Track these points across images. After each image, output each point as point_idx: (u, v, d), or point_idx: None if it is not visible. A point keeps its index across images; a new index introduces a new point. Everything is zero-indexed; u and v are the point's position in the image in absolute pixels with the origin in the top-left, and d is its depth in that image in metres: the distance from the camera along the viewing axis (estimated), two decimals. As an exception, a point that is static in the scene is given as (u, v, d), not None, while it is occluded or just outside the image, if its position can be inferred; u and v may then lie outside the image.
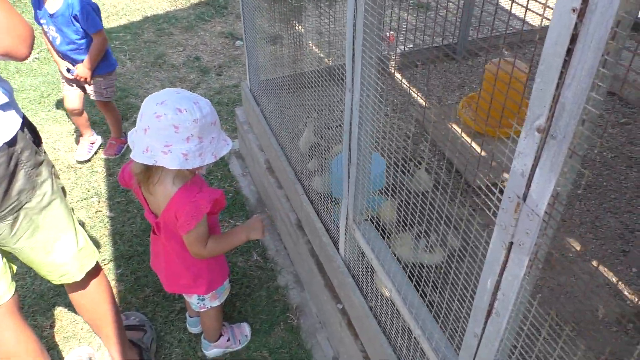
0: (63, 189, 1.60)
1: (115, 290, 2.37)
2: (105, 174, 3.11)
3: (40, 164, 1.47)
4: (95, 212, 2.80)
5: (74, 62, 2.92)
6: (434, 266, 1.65)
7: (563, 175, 0.77)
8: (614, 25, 0.62)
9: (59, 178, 1.58)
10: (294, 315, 2.27)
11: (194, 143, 1.46)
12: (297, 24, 2.14)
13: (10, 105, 1.37)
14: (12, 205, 1.40)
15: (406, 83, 3.28)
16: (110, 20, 5.18)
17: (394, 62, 3.29)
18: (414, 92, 3.16)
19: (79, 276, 1.67)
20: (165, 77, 4.19)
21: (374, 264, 1.63)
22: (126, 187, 1.77)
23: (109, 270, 2.47)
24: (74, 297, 1.77)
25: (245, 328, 2.20)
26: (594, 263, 2.03)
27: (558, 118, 0.74)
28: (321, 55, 2.35)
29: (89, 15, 2.73)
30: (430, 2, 4.69)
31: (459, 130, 2.75)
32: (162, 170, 1.54)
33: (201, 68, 4.30)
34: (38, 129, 1.52)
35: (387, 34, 3.09)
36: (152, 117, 1.42)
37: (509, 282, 0.94)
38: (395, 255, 1.59)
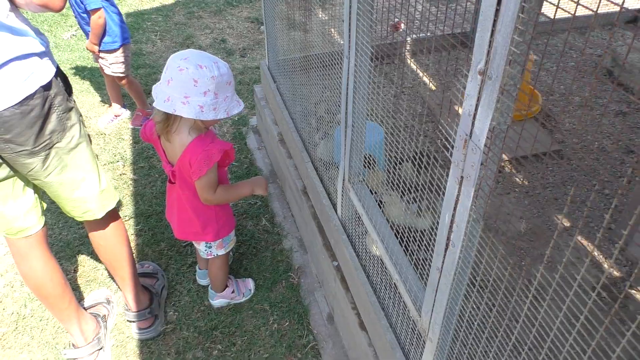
0: (89, 136, 1.80)
1: (134, 244, 2.58)
2: (131, 142, 3.33)
3: (70, 109, 1.66)
4: (120, 175, 3.03)
5: (87, 33, 3.11)
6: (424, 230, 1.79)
7: (497, 111, 0.91)
8: (528, -23, 0.76)
9: (85, 126, 1.78)
10: (295, 275, 2.44)
11: (210, 97, 1.64)
12: (308, 7, 2.29)
13: (46, 54, 1.56)
14: (45, 143, 1.59)
15: (417, 68, 3.40)
16: (144, 2, 5.43)
17: (407, 48, 3.41)
18: (423, 75, 3.28)
19: (99, 214, 1.87)
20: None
21: (363, 219, 1.78)
22: (146, 141, 1.95)
23: (129, 225, 2.68)
24: (94, 237, 1.97)
25: (250, 283, 2.37)
26: (579, 237, 2.13)
27: (492, 60, 0.88)
28: (333, 36, 2.50)
29: None
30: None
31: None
32: (180, 120, 1.72)
33: (226, 50, 4.50)
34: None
35: (395, 20, 3.21)
36: (176, 70, 1.61)
37: (460, 213, 1.09)
38: (385, 215, 1.73)
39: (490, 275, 1.05)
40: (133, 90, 3.43)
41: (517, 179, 2.51)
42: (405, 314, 1.55)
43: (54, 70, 1.58)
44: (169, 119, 1.72)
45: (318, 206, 2.28)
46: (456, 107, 1.19)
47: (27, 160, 1.60)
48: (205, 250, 2.09)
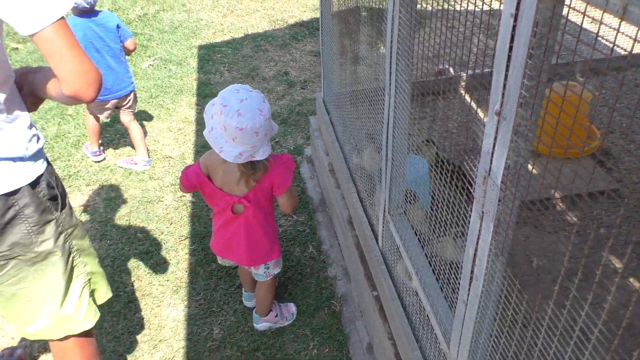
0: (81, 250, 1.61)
1: (186, 263, 2.73)
2: (193, 167, 3.55)
3: (47, 223, 1.48)
4: (180, 197, 3.22)
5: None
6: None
7: (512, 150, 0.94)
8: (534, 26, 0.81)
9: (78, 237, 1.60)
10: (337, 303, 2.49)
11: (267, 134, 1.87)
12: (357, 46, 2.39)
13: (24, 160, 1.40)
14: (3, 254, 1.43)
15: (472, 103, 3.41)
16: (216, 36, 5.79)
17: (464, 83, 3.43)
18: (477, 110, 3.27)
19: (56, 335, 1.65)
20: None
21: (401, 251, 1.81)
22: (192, 190, 2.06)
23: (184, 245, 2.85)
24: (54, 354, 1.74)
25: (292, 307, 2.44)
26: (631, 279, 2.05)
27: (506, 102, 0.92)
28: (378, 73, 2.58)
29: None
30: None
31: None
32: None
33: (288, 82, 4.70)
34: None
35: (440, 67, 3.24)
36: (236, 130, 1.77)
37: (482, 247, 1.11)
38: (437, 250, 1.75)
39: (532, 314, 1.06)
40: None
41: (569, 218, 2.44)
42: (437, 346, 1.56)
43: (28, 179, 1.42)
44: (247, 165, 1.90)
45: (361, 236, 2.33)
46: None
47: None
48: (265, 272, 2.20)
